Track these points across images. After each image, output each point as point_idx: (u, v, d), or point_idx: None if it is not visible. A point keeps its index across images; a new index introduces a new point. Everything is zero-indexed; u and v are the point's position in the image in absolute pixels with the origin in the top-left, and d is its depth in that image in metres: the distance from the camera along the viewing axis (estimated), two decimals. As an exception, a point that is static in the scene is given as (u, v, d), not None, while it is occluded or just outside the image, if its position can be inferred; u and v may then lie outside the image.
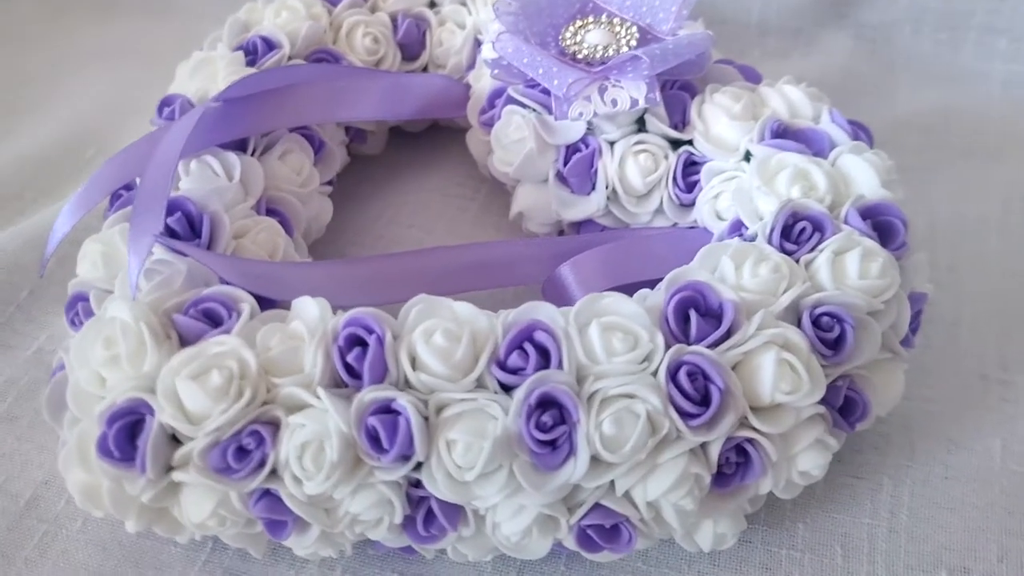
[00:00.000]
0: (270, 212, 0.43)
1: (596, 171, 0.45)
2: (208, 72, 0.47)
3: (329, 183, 0.50)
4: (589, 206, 0.46)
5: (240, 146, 0.44)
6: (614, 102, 0.43)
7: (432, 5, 0.55)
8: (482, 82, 0.50)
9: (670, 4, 0.46)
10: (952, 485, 0.40)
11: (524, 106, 0.47)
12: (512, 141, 0.46)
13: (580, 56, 0.45)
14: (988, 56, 0.60)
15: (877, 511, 0.39)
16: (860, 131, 0.43)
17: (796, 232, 0.38)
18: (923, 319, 0.46)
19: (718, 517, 0.35)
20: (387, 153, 0.57)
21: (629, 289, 0.37)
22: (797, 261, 0.37)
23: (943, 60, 0.61)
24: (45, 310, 0.48)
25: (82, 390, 0.35)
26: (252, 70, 0.47)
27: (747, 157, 0.43)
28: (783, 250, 0.38)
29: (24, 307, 0.48)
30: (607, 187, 0.45)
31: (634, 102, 0.43)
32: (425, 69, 0.55)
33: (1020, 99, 0.58)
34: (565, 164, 0.46)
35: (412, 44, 0.54)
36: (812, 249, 0.37)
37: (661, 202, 0.45)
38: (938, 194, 0.53)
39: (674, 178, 0.45)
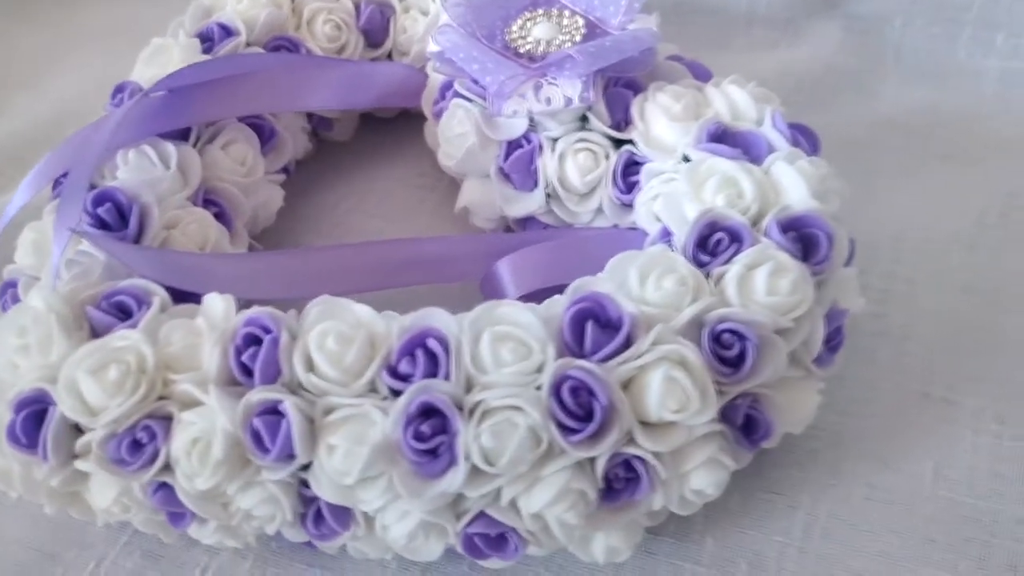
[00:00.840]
0: (209, 203, 0.44)
1: (537, 168, 0.45)
2: (163, 59, 0.48)
3: (285, 170, 0.51)
4: (531, 203, 0.46)
5: (184, 136, 0.45)
6: (548, 100, 0.42)
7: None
8: (436, 73, 0.50)
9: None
10: (874, 507, 0.39)
11: (470, 100, 0.46)
12: (455, 135, 0.46)
13: (523, 51, 0.44)
14: (984, 52, 0.57)
15: (790, 530, 0.38)
16: (802, 137, 0.41)
17: (712, 243, 0.37)
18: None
19: (609, 530, 0.35)
20: (357, 139, 0.58)
21: (561, 290, 0.37)
22: (708, 274, 0.36)
23: (936, 55, 0.58)
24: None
25: (-2, 376, 0.36)
26: (207, 57, 0.48)
27: (686, 159, 0.42)
28: (697, 261, 0.37)
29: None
30: (547, 185, 0.45)
31: (568, 100, 0.42)
32: (390, 56, 0.54)
33: (1014, 99, 0.55)
34: (506, 160, 0.45)
35: (375, 31, 0.54)
36: (727, 262, 0.36)
37: (601, 202, 0.45)
38: (912, 201, 0.51)
39: (614, 178, 0.44)
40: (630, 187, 0.44)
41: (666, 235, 0.40)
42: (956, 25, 0.57)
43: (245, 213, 0.46)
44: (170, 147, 0.43)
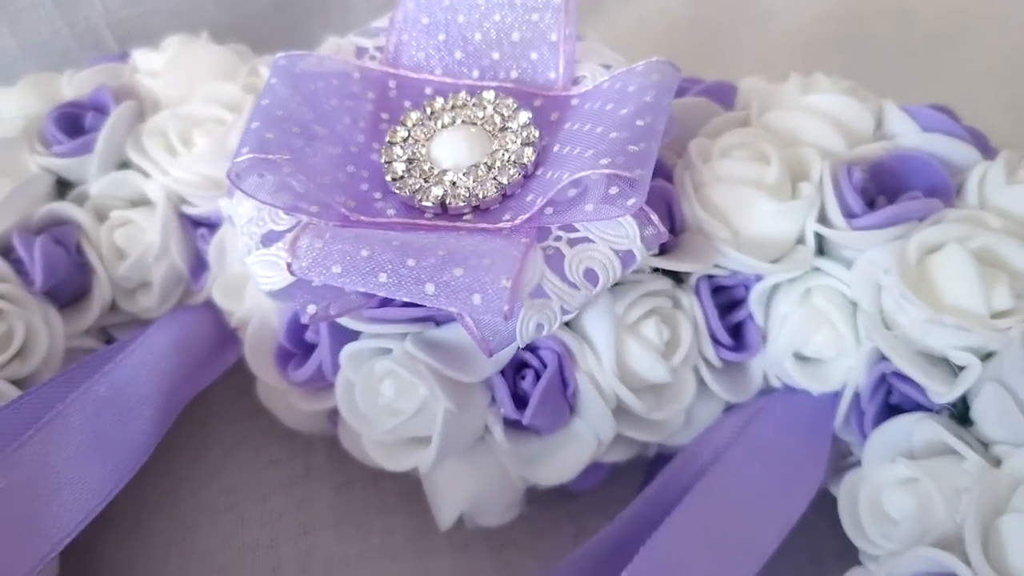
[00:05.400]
0: None
1: (574, 391, 0.23)
2: None
3: None
4: (582, 452, 0.24)
5: None
6: (590, 275, 0.21)
7: (63, 189, 0.28)
8: (248, 304, 0.26)
9: (545, 31, 0.24)
10: None
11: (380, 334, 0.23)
12: (406, 415, 0.23)
13: (452, 203, 0.22)
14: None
15: None
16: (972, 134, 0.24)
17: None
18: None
19: None
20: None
21: None
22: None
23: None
24: None
25: None
26: None
27: (820, 248, 0.24)
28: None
29: None
30: (607, 404, 0.23)
31: (628, 257, 0.21)
32: (113, 307, 0.28)
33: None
34: (519, 406, 0.23)
35: (65, 279, 0.27)
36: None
37: (696, 380, 0.24)
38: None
39: (711, 333, 0.24)
40: (735, 332, 0.24)
41: (878, 392, 0.22)
42: None
43: None
44: None
